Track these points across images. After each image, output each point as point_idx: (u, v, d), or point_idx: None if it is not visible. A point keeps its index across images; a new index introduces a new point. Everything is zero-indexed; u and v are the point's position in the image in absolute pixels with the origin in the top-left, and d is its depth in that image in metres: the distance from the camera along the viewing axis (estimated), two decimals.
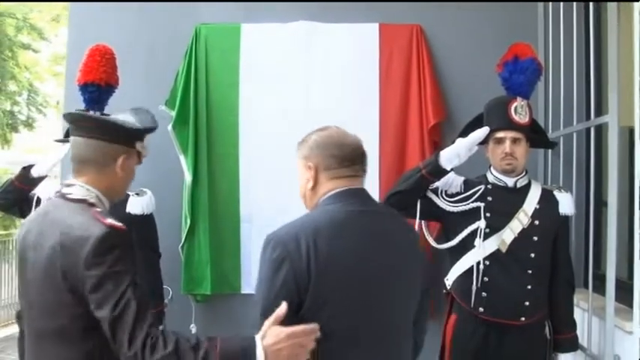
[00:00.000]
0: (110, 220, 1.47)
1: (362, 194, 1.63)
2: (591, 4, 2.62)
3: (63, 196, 1.58)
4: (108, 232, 1.43)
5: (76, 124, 1.61)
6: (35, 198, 2.70)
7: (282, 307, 1.44)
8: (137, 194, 2.69)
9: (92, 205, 1.55)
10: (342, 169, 1.60)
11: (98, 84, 2.70)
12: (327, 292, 1.48)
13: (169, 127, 3.04)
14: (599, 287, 2.42)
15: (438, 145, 2.99)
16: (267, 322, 1.44)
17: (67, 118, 1.67)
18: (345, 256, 1.51)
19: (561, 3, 2.87)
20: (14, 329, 6.76)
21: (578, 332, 2.42)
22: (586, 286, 2.53)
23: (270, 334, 1.42)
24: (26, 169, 2.68)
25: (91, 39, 2.87)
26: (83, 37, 3.07)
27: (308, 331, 1.44)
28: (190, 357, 1.37)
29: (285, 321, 1.43)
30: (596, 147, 2.53)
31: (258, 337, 1.43)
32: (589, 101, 2.82)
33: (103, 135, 1.57)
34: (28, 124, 16.31)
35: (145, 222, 2.71)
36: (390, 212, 1.77)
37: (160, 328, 1.43)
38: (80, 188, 1.57)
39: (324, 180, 1.61)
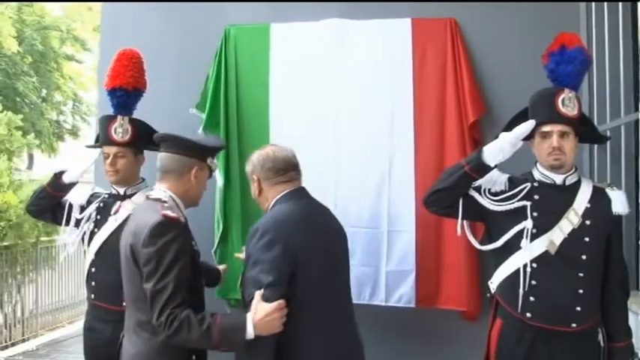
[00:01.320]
0: (167, 212, 1.88)
1: (303, 192, 2.18)
2: None
3: (147, 197, 2.06)
4: (161, 220, 1.85)
5: (163, 142, 2.05)
6: (67, 204, 2.70)
7: (260, 292, 1.88)
8: None
9: (164, 202, 1.96)
10: (277, 177, 2.13)
11: (126, 88, 2.67)
12: (305, 265, 1.96)
13: (200, 131, 2.99)
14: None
15: (478, 143, 2.84)
16: (254, 301, 1.86)
17: (157, 138, 2.10)
18: (312, 237, 2.04)
19: None
20: (59, 333, 6.92)
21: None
22: (637, 288, 2.36)
23: (260, 310, 1.85)
24: (57, 176, 2.68)
25: (121, 43, 2.85)
26: (114, 41, 3.06)
27: (284, 305, 1.89)
28: (196, 328, 1.78)
29: (283, 290, 1.90)
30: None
31: (249, 315, 1.84)
32: (637, 92, 2.65)
33: (182, 150, 2.02)
34: (73, 132, 16.84)
35: None
36: (318, 201, 2.22)
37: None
38: (159, 191, 2.02)
39: (267, 187, 2.15)
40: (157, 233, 1.83)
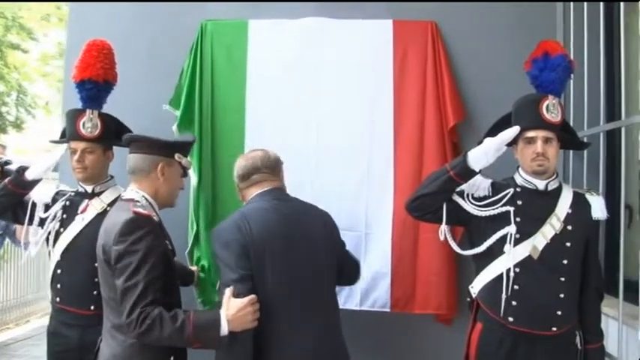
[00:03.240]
0: (138, 209, 1.91)
1: (275, 192, 2.25)
2: None
3: (120, 198, 2.08)
4: (132, 217, 1.87)
5: (131, 144, 2.09)
6: (30, 202, 2.54)
7: (231, 288, 1.93)
8: None
9: (137, 202, 1.97)
10: (244, 182, 2.27)
11: (96, 80, 2.54)
12: (264, 257, 2.04)
13: (174, 128, 2.88)
14: (615, 292, 2.38)
15: (457, 147, 2.86)
16: (226, 297, 1.90)
17: (125, 140, 2.13)
18: (271, 230, 2.09)
19: None
20: (6, 336, 6.57)
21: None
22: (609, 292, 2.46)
23: (231, 306, 1.89)
24: (20, 172, 2.51)
25: (91, 35, 2.70)
26: (83, 32, 2.88)
27: (255, 299, 1.94)
28: (169, 325, 1.78)
29: (249, 285, 1.97)
30: (610, 149, 2.46)
31: (222, 310, 1.88)
32: (613, 101, 2.72)
33: (147, 149, 2.04)
34: (17, 125, 16.05)
35: None
36: (299, 200, 2.32)
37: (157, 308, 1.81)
38: (131, 191, 2.05)
39: (244, 193, 2.30)
40: (127, 230, 1.84)
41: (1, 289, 7.04)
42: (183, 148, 2.14)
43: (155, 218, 1.98)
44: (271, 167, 2.29)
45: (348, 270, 2.38)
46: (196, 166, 2.91)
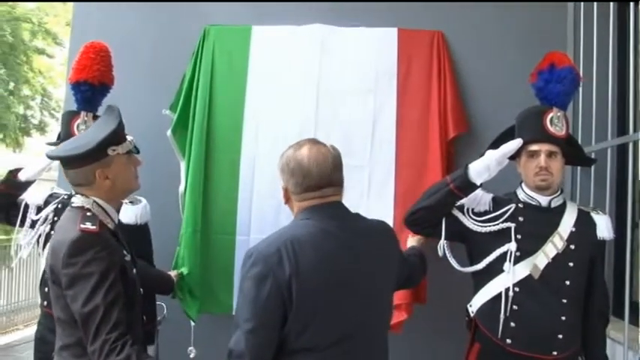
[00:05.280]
0: (85, 225, 1.70)
1: (335, 208, 1.73)
2: (631, 4, 2.39)
3: (70, 205, 1.85)
4: (79, 236, 1.68)
5: (60, 162, 1.90)
6: (23, 204, 2.51)
7: None
8: (131, 202, 2.47)
9: (88, 210, 1.77)
10: (306, 193, 1.70)
11: (91, 83, 2.51)
12: (310, 297, 1.58)
13: (169, 133, 2.84)
14: (620, 314, 2.29)
15: (454, 159, 2.77)
16: None
17: (48, 158, 2.00)
18: (323, 266, 1.61)
19: (595, 3, 2.67)
20: (14, 337, 6.64)
21: None
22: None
23: None
24: (13, 173, 2.49)
25: (93, 38, 2.67)
26: (86, 36, 2.85)
27: None
28: None
29: (271, 335, 1.56)
30: (619, 165, 2.39)
31: None
32: (623, 114, 2.62)
33: (74, 165, 1.79)
34: (41, 128, 16.34)
35: (139, 232, 2.49)
36: (359, 218, 1.80)
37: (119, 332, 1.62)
38: (80, 197, 1.83)
39: (294, 200, 1.74)
40: (75, 252, 1.66)
41: (12, 291, 7.12)
42: (113, 139, 1.81)
43: (110, 226, 1.82)
44: (341, 176, 1.78)
45: (413, 277, 2.09)
46: (186, 170, 2.84)
